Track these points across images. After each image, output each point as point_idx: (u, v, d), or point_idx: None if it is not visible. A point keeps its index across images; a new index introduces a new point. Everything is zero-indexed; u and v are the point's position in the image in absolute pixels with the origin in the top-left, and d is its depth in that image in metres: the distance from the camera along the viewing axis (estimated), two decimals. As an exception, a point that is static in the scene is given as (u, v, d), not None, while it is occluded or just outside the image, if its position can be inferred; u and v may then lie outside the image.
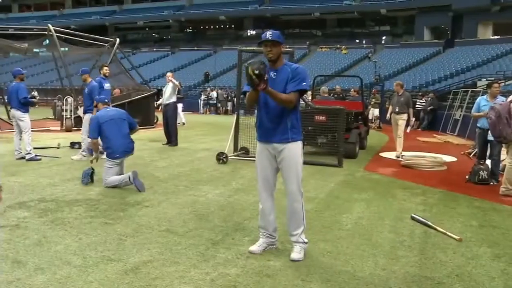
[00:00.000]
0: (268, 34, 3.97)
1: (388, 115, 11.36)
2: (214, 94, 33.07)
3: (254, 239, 4.39)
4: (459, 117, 18.62)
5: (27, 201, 5.73)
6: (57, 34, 17.04)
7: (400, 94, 11.01)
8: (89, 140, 9.29)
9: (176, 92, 12.11)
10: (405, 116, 10.88)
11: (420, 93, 24.88)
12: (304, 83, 3.97)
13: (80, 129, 15.29)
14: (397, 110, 10.88)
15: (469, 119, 17.11)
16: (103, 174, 6.78)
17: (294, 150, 4.05)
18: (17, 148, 9.24)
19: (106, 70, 10.26)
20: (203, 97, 33.61)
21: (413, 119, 11.19)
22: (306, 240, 4.12)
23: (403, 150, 10.95)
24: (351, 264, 3.93)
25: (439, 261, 4.06)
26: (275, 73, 4.01)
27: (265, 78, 3.73)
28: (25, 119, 9.22)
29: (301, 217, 4.08)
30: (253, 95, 3.97)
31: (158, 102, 13.10)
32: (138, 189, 6.47)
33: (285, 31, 48.13)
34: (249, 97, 4.02)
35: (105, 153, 7.01)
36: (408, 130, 11.07)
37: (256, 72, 3.68)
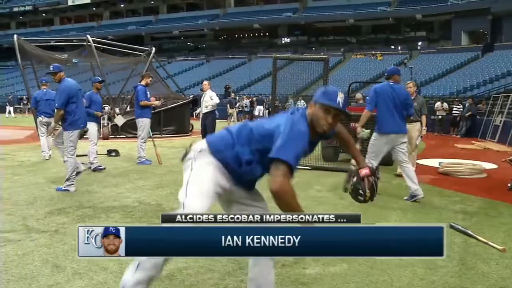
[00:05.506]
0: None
1: None
2: (247, 102, 33.20)
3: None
4: (500, 123, 18.10)
5: (66, 208, 5.86)
6: (95, 45, 17.50)
7: (413, 97, 8.33)
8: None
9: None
10: (418, 125, 8.71)
11: (456, 99, 24.35)
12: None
13: (117, 137, 15.78)
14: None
15: (510, 125, 16.60)
16: (67, 146, 7.18)
17: None
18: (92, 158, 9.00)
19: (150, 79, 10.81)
20: (237, 105, 33.81)
21: (425, 128, 9.08)
22: None
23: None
24: (388, 273, 3.84)
25: (481, 272, 3.92)
26: None
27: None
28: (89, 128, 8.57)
29: None
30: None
31: (197, 111, 13.23)
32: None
33: (319, 38, 48.14)
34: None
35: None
36: (418, 142, 8.92)
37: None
